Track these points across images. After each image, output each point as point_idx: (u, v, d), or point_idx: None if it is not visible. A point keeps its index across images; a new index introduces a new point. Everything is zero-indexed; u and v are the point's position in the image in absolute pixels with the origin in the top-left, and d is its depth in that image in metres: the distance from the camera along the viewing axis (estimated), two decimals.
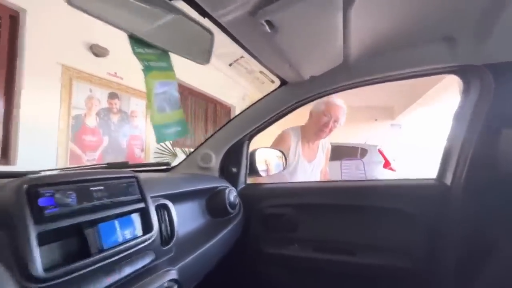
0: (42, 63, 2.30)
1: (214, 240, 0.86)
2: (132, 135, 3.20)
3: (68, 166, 2.21)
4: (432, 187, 0.97)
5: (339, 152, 6.03)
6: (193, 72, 4.26)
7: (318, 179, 1.73)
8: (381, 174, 5.78)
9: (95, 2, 0.34)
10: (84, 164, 2.58)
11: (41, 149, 2.32)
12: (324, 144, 1.73)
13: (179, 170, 1.16)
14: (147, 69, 0.43)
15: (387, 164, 6.06)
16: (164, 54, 0.46)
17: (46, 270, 0.40)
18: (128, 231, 0.55)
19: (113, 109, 2.96)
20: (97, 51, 2.69)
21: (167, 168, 1.17)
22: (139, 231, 0.57)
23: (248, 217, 1.08)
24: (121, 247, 0.52)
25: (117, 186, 0.55)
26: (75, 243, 0.48)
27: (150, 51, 0.44)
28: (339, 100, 1.53)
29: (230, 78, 5.28)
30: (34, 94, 2.24)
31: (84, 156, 2.64)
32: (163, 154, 3.53)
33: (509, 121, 0.76)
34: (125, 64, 2.89)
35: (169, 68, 0.47)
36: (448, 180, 0.92)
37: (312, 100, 1.03)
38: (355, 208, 1.02)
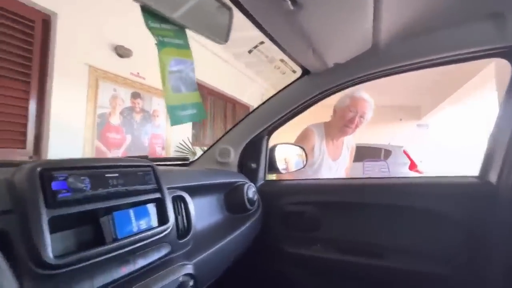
0: (71, 64, 2.41)
1: (232, 236, 0.82)
2: (153, 134, 3.27)
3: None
4: (474, 186, 0.87)
5: (361, 153, 5.80)
6: (212, 72, 4.31)
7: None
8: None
9: None
10: None
11: (69, 146, 2.43)
12: (349, 142, 1.65)
13: (198, 165, 1.15)
14: (161, 44, 0.40)
15: (413, 166, 5.75)
16: (181, 30, 0.43)
17: (57, 257, 0.38)
18: (144, 221, 0.52)
19: (136, 108, 3.04)
20: (122, 52, 2.78)
21: (185, 163, 1.16)
22: (154, 222, 0.54)
23: (268, 214, 1.04)
24: (136, 237, 0.50)
25: (133, 174, 0.53)
26: (88, 230, 0.46)
27: (166, 27, 0.41)
28: (365, 93, 1.44)
29: (248, 77, 5.27)
30: (63, 93, 2.35)
31: (108, 153, 2.73)
32: (183, 152, 3.58)
33: None
34: (147, 65, 2.97)
35: (186, 46, 0.44)
36: (493, 178, 0.82)
37: (337, 91, 0.96)
38: (383, 207, 0.94)
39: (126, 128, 2.92)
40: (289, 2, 0.51)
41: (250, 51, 4.41)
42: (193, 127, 4.27)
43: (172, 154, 3.49)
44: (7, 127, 2.09)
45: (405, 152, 5.89)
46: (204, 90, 4.55)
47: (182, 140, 3.59)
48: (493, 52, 0.74)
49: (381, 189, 0.97)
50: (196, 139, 4.31)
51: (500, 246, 0.77)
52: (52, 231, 0.39)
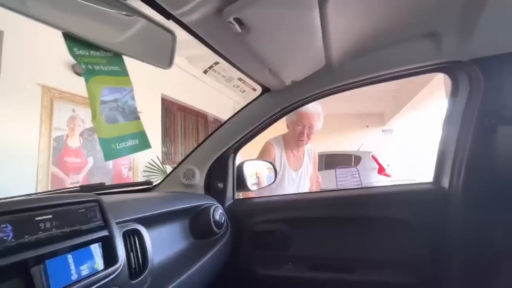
0: (21, 84, 2.22)
1: (198, 264, 0.77)
2: None
3: (38, 191, 2.09)
4: (429, 192, 0.91)
5: (333, 161, 6.02)
6: (180, 87, 4.23)
7: (307, 188, 1.68)
8: (377, 181, 5.74)
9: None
10: (65, 187, 2.45)
11: (20, 174, 2.19)
12: (310, 151, 1.70)
13: (161, 188, 1.09)
14: (89, 73, 0.37)
15: (381, 170, 6.05)
16: (115, 57, 0.40)
17: None
18: (86, 265, 0.46)
19: None
20: (79, 70, 2.62)
21: (148, 187, 1.09)
22: (100, 264, 0.49)
23: (238, 235, 1.00)
24: (77, 285, 0.44)
25: (72, 212, 0.48)
26: (20, 285, 0.40)
27: (97, 54, 0.38)
28: (310, 106, 1.50)
29: (219, 92, 5.27)
30: (13, 116, 2.14)
31: (67, 179, 2.52)
32: (152, 172, 3.42)
33: (504, 117, 0.71)
34: None
35: (123, 72, 0.41)
36: (445, 183, 0.87)
37: (297, 107, 0.98)
38: (350, 219, 0.95)
39: (87, 150, 2.73)
40: (236, 25, 0.51)
41: (205, 72, 4.36)
42: (163, 144, 4.12)
43: (140, 175, 3.31)
44: None
45: (373, 157, 6.20)
46: (173, 107, 4.44)
47: (151, 159, 3.44)
48: (434, 68, 0.81)
49: (346, 202, 0.99)
50: (166, 157, 4.16)
51: (458, 249, 0.81)
52: None
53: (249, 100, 1.03)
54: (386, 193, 1.00)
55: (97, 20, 0.38)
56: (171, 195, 0.96)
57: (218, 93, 5.31)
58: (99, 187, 0.93)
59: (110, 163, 2.98)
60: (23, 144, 2.22)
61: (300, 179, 1.61)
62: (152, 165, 3.43)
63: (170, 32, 0.46)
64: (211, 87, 4.99)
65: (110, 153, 0.40)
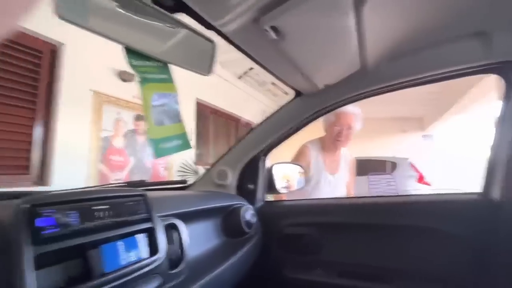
0: (76, 91, 2.50)
1: (229, 262, 0.80)
2: None
3: (90, 185, 2.31)
4: (477, 203, 0.84)
5: (366, 167, 5.74)
6: (213, 91, 4.39)
7: (344, 193, 1.64)
8: (415, 190, 5.36)
9: (86, 15, 0.33)
10: (111, 183, 2.69)
11: (74, 170, 2.46)
12: (346, 156, 1.66)
13: (196, 187, 1.14)
14: (143, 81, 0.42)
15: (421, 178, 5.64)
16: (164, 66, 0.45)
17: None
18: (133, 253, 0.52)
19: (139, 130, 3.09)
20: (125, 77, 2.87)
21: (183, 186, 1.16)
22: (144, 253, 0.54)
23: (267, 237, 1.01)
24: (125, 270, 0.49)
25: (123, 205, 0.53)
26: (76, 265, 0.46)
27: (149, 63, 0.43)
28: (349, 106, 1.47)
29: (249, 95, 5.36)
30: (69, 119, 2.42)
31: (112, 176, 2.75)
32: (185, 172, 3.59)
33: None
34: None
35: (169, 79, 0.46)
36: (496, 194, 0.79)
37: (329, 111, 0.97)
38: (385, 227, 0.91)
39: (129, 150, 2.96)
40: (272, 32, 0.53)
41: (239, 77, 4.49)
42: (196, 146, 4.30)
43: (175, 174, 3.49)
44: (12, 154, 2.13)
45: (411, 164, 5.80)
46: (206, 110, 4.62)
47: (185, 160, 3.61)
48: (483, 69, 0.75)
49: (383, 209, 0.95)
50: (199, 159, 4.33)
51: (506, 265, 0.73)
52: (39, 267, 0.39)
53: (281, 104, 1.05)
54: (427, 202, 0.94)
55: (149, 33, 0.43)
56: (206, 194, 1.01)
57: (248, 96, 5.40)
58: (142, 184, 1.02)
59: (149, 163, 3.19)
60: (77, 143, 2.48)
61: (336, 182, 1.58)
62: (186, 165, 3.60)
63: (211, 41, 0.50)
64: (242, 91, 5.11)
65: (158, 152, 0.45)
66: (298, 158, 1.54)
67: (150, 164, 3.22)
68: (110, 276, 0.46)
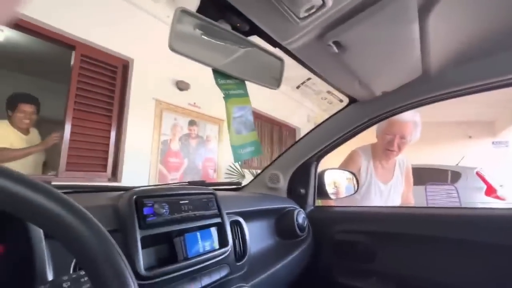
0: (142, 99, 2.84)
1: (284, 262, 0.85)
2: (206, 157, 3.54)
3: (158, 184, 2.58)
4: None
5: (423, 176, 5.22)
6: (258, 96, 4.52)
7: (398, 203, 1.53)
8: (484, 203, 4.69)
9: (189, 45, 0.42)
10: (168, 182, 2.97)
11: (138, 169, 2.79)
12: (402, 163, 1.54)
13: (249, 189, 1.22)
14: (227, 97, 0.50)
15: (491, 191, 4.90)
16: (241, 82, 0.52)
17: (146, 269, 0.47)
18: (208, 243, 0.60)
19: (192, 134, 3.36)
20: (181, 86, 3.17)
21: (237, 187, 1.25)
22: (216, 244, 0.62)
23: (318, 242, 1.03)
24: (202, 257, 0.57)
25: (200, 201, 0.62)
26: (165, 249, 0.56)
27: (230, 81, 0.50)
28: (406, 114, 1.37)
29: (294, 100, 5.37)
30: (135, 124, 2.76)
31: (169, 176, 3.04)
32: (232, 174, 3.76)
33: None
34: (202, 95, 3.31)
35: (245, 94, 0.53)
36: None
37: (385, 118, 0.95)
38: (449, 241, 0.85)
39: (184, 152, 3.24)
40: (334, 47, 0.57)
41: (298, 87, 4.70)
42: None
43: (222, 176, 3.69)
44: (93, 154, 2.52)
45: (479, 174, 5.09)
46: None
47: (232, 163, 3.79)
48: None
49: (445, 221, 0.89)
50: (244, 162, 4.48)
51: None
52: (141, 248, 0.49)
53: (332, 111, 1.06)
54: (497, 216, 0.86)
55: (229, 55, 0.51)
56: (260, 195, 1.07)
57: (294, 102, 5.41)
58: (202, 184, 1.13)
59: (200, 165, 3.44)
60: (142, 146, 2.82)
61: (389, 192, 1.49)
62: (233, 168, 3.77)
63: (280, 59, 0.56)
64: (287, 96, 5.15)
65: (237, 157, 0.53)
66: (348, 164, 1.49)
67: (200, 166, 3.47)
68: (192, 261, 0.55)
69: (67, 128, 2.32)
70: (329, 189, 1.20)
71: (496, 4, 0.58)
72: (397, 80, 0.80)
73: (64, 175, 2.28)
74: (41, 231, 0.36)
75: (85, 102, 2.43)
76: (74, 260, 0.40)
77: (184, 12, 0.40)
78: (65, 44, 2.35)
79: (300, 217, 0.97)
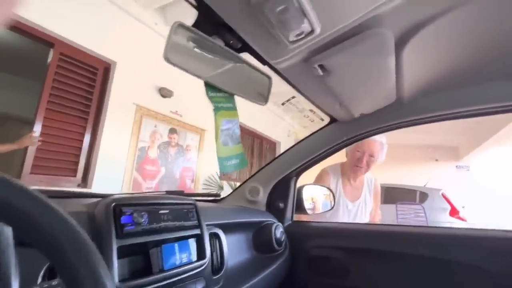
0: (122, 103, 2.77)
1: (260, 276, 0.84)
2: (184, 167, 3.47)
3: (133, 191, 2.47)
4: None
5: (394, 195, 5.49)
6: (242, 108, 4.56)
7: (366, 222, 1.58)
8: (448, 223, 4.99)
9: (183, 58, 0.43)
10: (144, 191, 2.85)
11: (111, 175, 2.66)
12: (371, 182, 1.60)
13: (228, 201, 1.21)
14: (216, 109, 0.51)
15: (454, 212, 5.24)
16: (230, 96, 0.54)
17: (121, 281, 0.45)
18: (185, 255, 0.59)
19: (172, 142, 3.30)
20: (164, 93, 3.13)
21: (216, 199, 1.23)
22: (194, 256, 0.60)
23: (295, 256, 1.04)
24: (179, 269, 0.56)
25: (180, 211, 0.61)
26: (141, 260, 0.54)
27: (220, 94, 0.52)
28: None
29: (276, 115, 5.49)
30: (113, 129, 2.66)
31: (144, 184, 2.93)
32: (210, 186, 3.70)
33: None
34: (185, 104, 3.29)
35: (234, 108, 0.55)
36: None
37: (362, 138, 1.01)
38: (418, 258, 0.90)
39: (162, 161, 3.15)
40: (319, 70, 0.61)
41: (283, 104, 5.00)
42: None
43: (200, 187, 3.62)
44: (63, 157, 2.38)
45: (444, 195, 5.44)
46: None
47: (211, 174, 3.74)
48: None
49: (415, 239, 0.94)
50: (224, 174, 4.44)
51: None
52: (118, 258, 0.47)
53: (311, 127, 1.11)
54: (462, 236, 0.92)
55: (220, 69, 0.53)
56: (240, 208, 1.07)
57: (275, 116, 5.53)
58: (180, 194, 1.11)
59: (178, 174, 3.35)
60: (117, 151, 2.71)
61: (357, 211, 1.53)
62: (211, 179, 3.72)
63: (268, 77, 0.59)
64: (269, 111, 5.25)
65: (223, 168, 0.53)
66: (318, 182, 1.51)
67: (178, 175, 3.38)
68: (167, 273, 0.53)
69: (37, 127, 2.18)
70: (307, 204, 1.22)
71: (460, 44, 0.66)
72: (374, 104, 0.86)
73: (28, 178, 2.12)
74: (10, 235, 0.34)
75: (59, 102, 2.32)
76: (43, 269, 0.37)
77: (181, 26, 0.42)
78: (43, 40, 2.26)
79: (278, 231, 0.98)
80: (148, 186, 2.96)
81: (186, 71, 0.44)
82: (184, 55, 0.44)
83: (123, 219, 0.49)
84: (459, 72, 0.74)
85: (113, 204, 0.49)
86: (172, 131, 3.30)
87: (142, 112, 2.94)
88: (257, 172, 1.21)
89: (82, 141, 2.49)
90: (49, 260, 0.25)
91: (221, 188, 3.74)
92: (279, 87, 0.68)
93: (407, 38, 0.58)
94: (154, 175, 3.05)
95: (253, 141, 5.44)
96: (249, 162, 5.26)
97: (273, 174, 1.15)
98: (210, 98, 0.50)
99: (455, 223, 5.00)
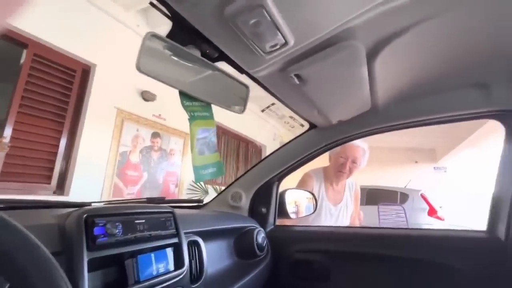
0: (102, 107, 2.68)
1: (242, 282, 0.84)
2: (168, 172, 3.40)
3: (113, 199, 2.39)
4: (483, 241, 0.87)
5: (375, 196, 5.65)
6: (227, 112, 4.56)
7: (347, 224, 1.62)
8: (427, 224, 5.19)
9: (157, 67, 0.43)
10: (125, 197, 2.77)
11: (90, 182, 2.57)
12: (352, 186, 1.65)
13: (210, 207, 1.20)
14: (192, 118, 0.51)
15: (432, 212, 5.46)
16: (207, 105, 0.54)
17: None
18: (162, 265, 0.58)
19: (155, 147, 3.23)
20: (147, 96, 3.07)
21: (198, 205, 1.22)
22: (171, 266, 0.60)
23: (277, 261, 1.04)
24: (155, 280, 0.55)
25: (157, 220, 0.60)
26: (115, 272, 0.52)
27: (196, 103, 0.52)
28: (358, 140, 1.50)
29: (261, 118, 5.52)
30: (92, 133, 2.57)
31: (125, 190, 2.85)
32: (195, 191, 3.65)
33: None
34: (169, 107, 3.24)
35: (211, 117, 0.55)
36: (501, 234, 0.82)
37: (341, 143, 1.05)
38: (395, 259, 0.93)
39: (144, 165, 3.08)
40: (296, 79, 0.63)
41: (263, 110, 5.08)
42: None
43: (185, 192, 3.56)
44: (36, 163, 2.27)
45: (423, 196, 5.66)
46: (218, 130, 4.77)
47: None
48: (484, 115, 0.82)
49: (392, 241, 0.97)
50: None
51: None
52: (88, 271, 0.45)
53: (296, 132, 1.13)
54: (436, 237, 0.96)
55: (196, 79, 0.53)
56: (221, 214, 1.07)
57: (260, 120, 5.56)
58: (162, 201, 1.09)
59: (161, 179, 3.28)
60: (97, 156, 2.62)
61: (339, 214, 1.57)
62: (196, 184, 3.67)
63: (245, 86, 0.59)
64: (255, 114, 5.28)
65: (198, 177, 0.53)
66: (301, 186, 1.54)
67: (161, 180, 3.31)
68: (143, 285, 0.52)
69: (7, 131, 2.07)
70: (290, 208, 1.23)
71: (429, 55, 0.70)
72: (351, 112, 0.89)
73: None
74: None
75: (32, 105, 2.21)
76: None
77: (154, 36, 0.42)
78: (15, 41, 2.16)
79: (260, 236, 0.98)
80: (130, 192, 2.87)
81: (160, 80, 0.44)
82: (158, 64, 0.44)
83: (96, 231, 0.48)
84: (429, 81, 0.78)
85: (85, 215, 0.48)
86: (155, 135, 3.24)
87: (124, 116, 2.87)
88: (239, 178, 1.21)
89: (57, 145, 2.38)
90: (8, 281, 0.24)
91: (206, 192, 3.70)
92: (262, 91, 0.69)
93: (378, 49, 0.61)
94: (136, 181, 2.97)
95: (238, 145, 5.43)
96: (235, 166, 5.24)
97: (255, 180, 1.15)
98: (186, 107, 0.50)
99: (432, 223, 5.20)
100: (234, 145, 5.29)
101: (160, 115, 3.27)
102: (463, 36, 0.60)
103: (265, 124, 5.74)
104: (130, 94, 2.97)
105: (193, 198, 2.96)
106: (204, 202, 1.24)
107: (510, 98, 0.75)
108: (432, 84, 0.80)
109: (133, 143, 2.97)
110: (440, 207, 5.74)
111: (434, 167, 8.06)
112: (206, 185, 3.81)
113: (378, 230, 1.09)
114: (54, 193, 2.34)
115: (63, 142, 2.42)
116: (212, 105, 0.57)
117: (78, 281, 0.43)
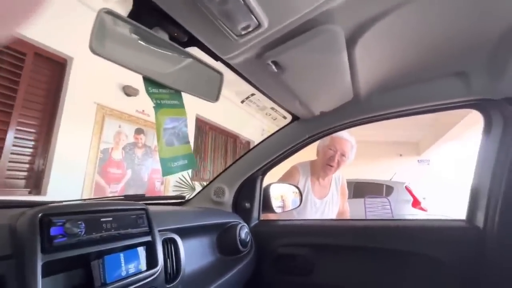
0: (81, 103, 2.56)
1: (222, 280, 0.81)
2: (153, 169, 3.32)
3: (91, 197, 2.30)
4: (462, 230, 0.88)
5: (363, 189, 5.77)
6: (213, 108, 4.50)
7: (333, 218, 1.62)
8: (411, 215, 5.35)
9: (116, 49, 0.39)
10: (106, 195, 2.68)
11: (69, 180, 2.46)
12: (338, 180, 1.64)
13: (193, 203, 1.17)
14: (158, 106, 0.47)
15: (416, 203, 5.63)
16: (176, 93, 0.50)
17: None
18: (133, 265, 0.54)
19: (138, 143, 3.14)
20: (129, 91, 2.96)
21: (181, 201, 1.18)
22: (143, 265, 0.56)
23: (261, 256, 1.02)
24: (125, 281, 0.51)
25: (127, 217, 0.56)
26: (79, 274, 0.48)
27: (163, 91, 0.48)
28: (346, 133, 1.49)
29: (248, 113, 5.48)
30: (71, 129, 2.46)
31: (108, 188, 2.75)
32: (181, 187, 3.58)
33: None
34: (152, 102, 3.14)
35: (180, 105, 0.51)
36: (480, 222, 0.83)
37: (325, 135, 1.03)
38: (377, 251, 0.93)
39: (128, 163, 2.98)
40: (273, 66, 0.60)
41: (242, 101, 4.92)
42: None
43: (171, 189, 3.49)
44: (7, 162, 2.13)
45: (407, 188, 5.82)
46: (205, 126, 4.70)
47: (182, 175, 3.62)
48: (464, 104, 0.82)
49: (374, 232, 0.98)
50: (195, 174, 4.34)
51: None
52: (46, 275, 0.41)
53: (280, 126, 1.11)
54: (417, 228, 0.97)
55: (164, 64, 0.49)
56: (203, 210, 1.03)
57: (248, 115, 5.52)
58: (141, 198, 1.04)
59: (146, 177, 3.20)
60: (76, 154, 2.51)
61: (324, 208, 1.56)
62: (182, 180, 3.60)
63: (219, 73, 0.56)
64: (242, 109, 5.23)
65: (166, 170, 0.49)
66: (287, 179, 1.52)
67: (146, 178, 3.23)
68: (110, 287, 0.48)
69: None
70: (275, 202, 1.22)
71: (411, 42, 0.68)
72: (333, 102, 0.87)
73: None
74: None
75: None
76: None
77: (110, 13, 0.37)
78: None
79: (243, 232, 0.96)
80: (113, 190, 2.78)
81: (120, 64, 0.40)
82: (117, 47, 0.39)
83: (53, 231, 0.43)
84: (410, 70, 0.77)
85: (40, 214, 0.43)
86: (139, 131, 3.14)
87: (105, 111, 2.76)
88: (222, 172, 1.18)
89: (4, 139, 2.09)
90: None
91: (193, 189, 3.64)
92: (246, 85, 0.66)
93: (358, 35, 0.59)
94: (119, 179, 2.88)
95: (226, 140, 5.38)
96: (223, 162, 5.19)
97: (238, 174, 1.13)
98: (151, 94, 0.46)
99: (416, 214, 5.37)
100: (221, 140, 5.23)
101: (143, 110, 3.18)
102: (443, 23, 0.58)
103: (253, 119, 5.71)
104: (111, 89, 2.86)
105: (176, 195, 2.91)
106: (186, 198, 1.21)
107: (488, 87, 0.75)
108: (413, 73, 0.79)
109: (115, 140, 2.86)
110: (424, 198, 5.92)
111: (418, 160, 8.29)
112: (193, 182, 3.76)
113: (360, 222, 1.09)
114: (30, 193, 2.23)
115: (10, 135, 2.13)
116: (184, 93, 0.53)
117: (31, 286, 0.39)
